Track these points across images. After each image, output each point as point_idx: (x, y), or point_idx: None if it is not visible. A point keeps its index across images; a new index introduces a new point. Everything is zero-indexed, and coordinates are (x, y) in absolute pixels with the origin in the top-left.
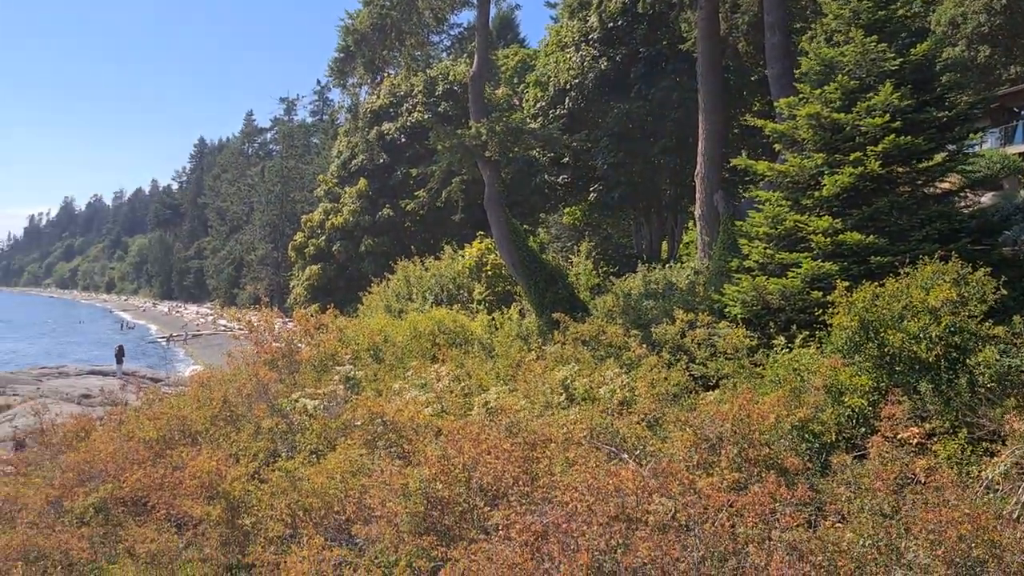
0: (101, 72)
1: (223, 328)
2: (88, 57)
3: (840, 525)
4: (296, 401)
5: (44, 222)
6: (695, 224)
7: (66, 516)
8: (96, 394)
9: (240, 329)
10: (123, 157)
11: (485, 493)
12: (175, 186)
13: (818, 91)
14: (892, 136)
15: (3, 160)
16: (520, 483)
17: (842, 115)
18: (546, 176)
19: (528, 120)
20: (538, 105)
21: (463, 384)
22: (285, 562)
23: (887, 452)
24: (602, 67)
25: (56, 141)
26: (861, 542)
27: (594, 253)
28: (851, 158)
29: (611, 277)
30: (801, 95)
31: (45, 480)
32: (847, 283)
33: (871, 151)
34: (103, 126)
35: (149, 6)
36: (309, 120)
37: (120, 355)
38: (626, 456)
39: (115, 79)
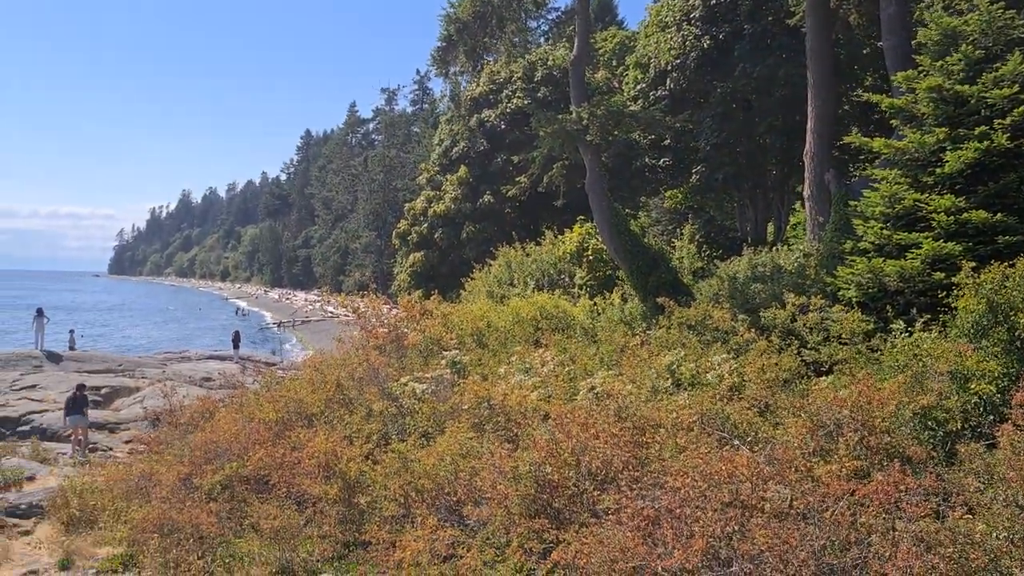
0: (213, 73)
1: (330, 314)
2: (199, 60)
3: (969, 516)
4: (405, 385)
5: (164, 215)
6: (803, 205)
7: (195, 492)
8: (216, 377)
9: (347, 315)
10: (235, 151)
11: (594, 477)
12: (283, 177)
13: (939, 63)
14: (1022, 108)
15: (126, 158)
16: (630, 468)
17: (966, 87)
18: (647, 159)
19: (628, 103)
20: (638, 87)
21: (568, 369)
22: (400, 540)
23: (1019, 441)
24: (704, 46)
25: (173, 138)
26: (995, 534)
27: (697, 236)
28: (976, 132)
29: (715, 261)
30: (920, 67)
31: (176, 458)
32: (973, 264)
33: (998, 124)
34: (216, 123)
35: (263, 7)
36: (409, 110)
37: (237, 340)
38: (737, 442)
39: (225, 79)
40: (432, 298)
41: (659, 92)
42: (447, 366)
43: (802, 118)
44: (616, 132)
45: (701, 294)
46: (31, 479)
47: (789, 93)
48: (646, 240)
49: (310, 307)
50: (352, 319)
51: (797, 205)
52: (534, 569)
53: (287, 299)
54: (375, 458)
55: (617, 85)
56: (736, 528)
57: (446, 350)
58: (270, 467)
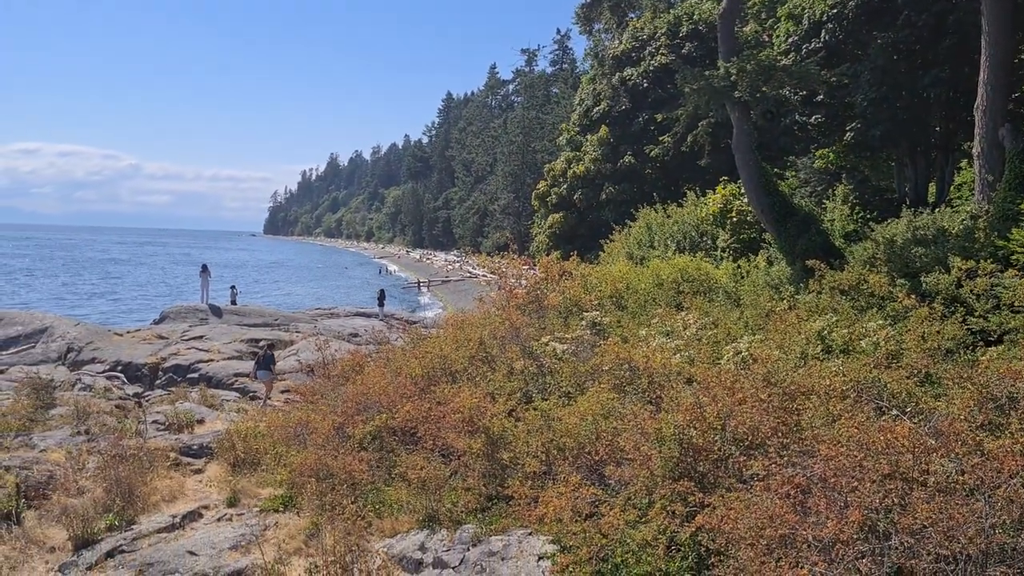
0: (357, 40)
1: (469, 274)
2: (342, 30)
3: None
4: (546, 345)
5: (314, 177)
6: (969, 163)
7: (348, 441)
8: (362, 333)
9: (485, 276)
10: (380, 114)
11: (740, 442)
12: (425, 140)
13: None
14: None
15: (281, 123)
16: (779, 434)
17: None
18: (797, 116)
19: (779, 57)
20: (790, 40)
21: (711, 332)
22: (542, 496)
23: None
24: None
25: (323, 103)
26: None
27: (851, 198)
28: None
29: (870, 223)
30: None
31: (329, 408)
32: None
33: None
34: (362, 87)
35: None
36: (549, 70)
37: (382, 298)
38: (896, 412)
39: (370, 44)
40: (571, 259)
41: (813, 45)
42: (587, 327)
43: (972, 69)
44: (766, 88)
45: (854, 258)
46: (200, 422)
47: (958, 42)
48: (795, 201)
49: (449, 267)
50: (491, 279)
51: (963, 164)
52: (677, 531)
53: (427, 259)
54: (517, 415)
55: (767, 38)
56: (896, 501)
57: (586, 311)
58: (417, 420)
